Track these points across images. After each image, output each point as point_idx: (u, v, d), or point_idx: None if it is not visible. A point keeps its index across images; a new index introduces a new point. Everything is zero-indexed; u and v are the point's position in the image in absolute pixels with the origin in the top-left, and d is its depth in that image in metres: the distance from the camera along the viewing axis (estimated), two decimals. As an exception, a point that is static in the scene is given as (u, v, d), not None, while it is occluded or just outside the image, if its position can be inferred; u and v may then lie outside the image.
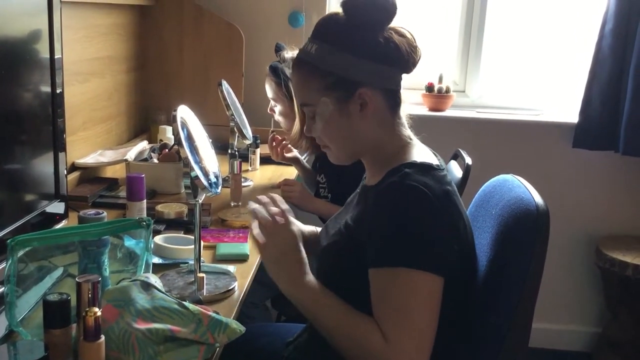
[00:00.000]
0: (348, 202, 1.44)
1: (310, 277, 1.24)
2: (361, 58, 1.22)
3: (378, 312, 1.16)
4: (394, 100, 1.29)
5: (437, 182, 1.19)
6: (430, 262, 1.14)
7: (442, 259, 1.15)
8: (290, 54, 2.20)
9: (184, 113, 1.37)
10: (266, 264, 1.27)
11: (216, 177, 1.40)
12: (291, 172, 2.49)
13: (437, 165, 1.25)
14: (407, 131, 1.33)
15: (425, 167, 1.22)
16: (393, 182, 1.19)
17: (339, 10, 1.26)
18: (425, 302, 1.14)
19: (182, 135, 1.30)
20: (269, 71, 2.33)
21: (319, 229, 1.55)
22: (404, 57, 1.25)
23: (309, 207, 2.17)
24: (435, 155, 1.33)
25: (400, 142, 1.30)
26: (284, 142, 2.33)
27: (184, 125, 1.33)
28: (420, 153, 1.29)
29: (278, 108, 2.36)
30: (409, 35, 1.27)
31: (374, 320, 1.16)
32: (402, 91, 1.30)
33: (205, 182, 1.30)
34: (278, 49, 2.26)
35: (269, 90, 2.36)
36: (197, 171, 1.29)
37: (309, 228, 1.52)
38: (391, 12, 1.24)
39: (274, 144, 2.34)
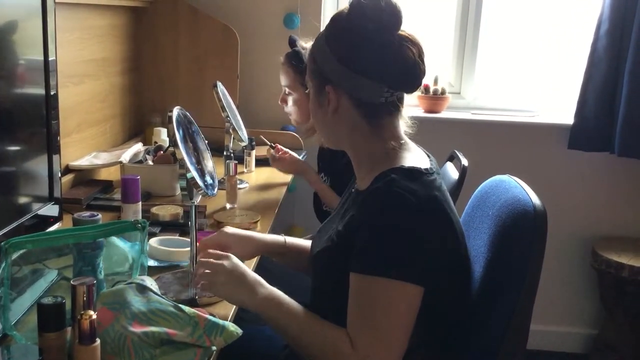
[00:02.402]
0: (340, 205, 1.44)
1: (268, 289, 1.25)
2: (335, 58, 1.23)
3: (351, 319, 1.16)
4: (370, 112, 1.25)
5: (424, 187, 1.18)
6: (410, 272, 1.13)
7: (423, 268, 1.14)
8: (307, 44, 2.16)
9: (180, 113, 1.36)
10: (222, 297, 1.30)
11: (212, 178, 1.40)
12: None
13: (427, 169, 1.23)
14: (398, 135, 1.29)
15: (413, 173, 1.21)
16: (378, 188, 1.18)
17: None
18: (400, 312, 1.14)
19: (178, 136, 1.29)
20: (288, 57, 2.23)
21: (289, 239, 1.54)
22: (386, 75, 1.21)
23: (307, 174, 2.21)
24: (428, 156, 1.32)
25: (383, 149, 1.27)
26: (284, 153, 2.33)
27: (180, 125, 1.32)
28: (411, 157, 1.26)
29: (293, 97, 2.26)
30: (412, 56, 1.22)
31: (342, 327, 1.16)
32: (389, 104, 1.25)
33: (201, 184, 1.30)
34: (293, 41, 2.22)
35: (285, 78, 2.26)
36: (193, 172, 1.28)
37: (270, 237, 1.51)
38: (389, 27, 1.21)
39: (279, 153, 2.32)
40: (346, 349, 1.13)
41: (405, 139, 1.32)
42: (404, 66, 1.22)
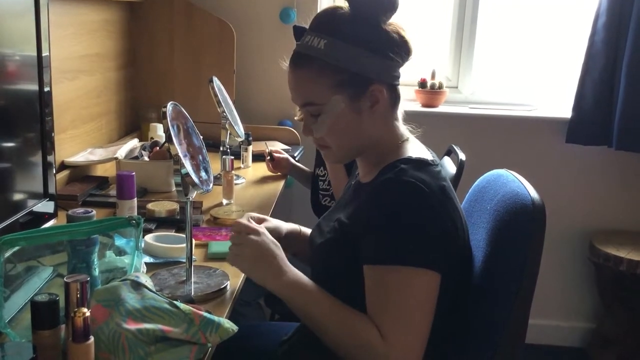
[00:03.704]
0: (340, 198, 1.43)
1: (295, 273, 1.23)
2: (373, 53, 1.21)
3: (374, 309, 1.15)
4: (396, 96, 1.28)
5: (433, 177, 1.19)
6: (427, 258, 1.13)
7: (439, 255, 1.14)
8: None
9: (175, 109, 1.35)
10: (245, 271, 1.27)
11: (207, 174, 1.39)
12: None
13: (432, 161, 1.24)
14: (402, 126, 1.32)
15: (421, 163, 1.21)
16: (389, 179, 1.18)
17: (339, 4, 1.25)
18: (422, 299, 1.13)
19: (173, 132, 1.27)
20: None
21: (303, 228, 1.53)
22: (407, 51, 1.25)
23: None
24: (428, 150, 1.32)
25: (397, 139, 1.29)
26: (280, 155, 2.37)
27: (174, 121, 1.31)
28: (416, 149, 1.28)
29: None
30: (405, 29, 1.26)
31: (368, 317, 1.15)
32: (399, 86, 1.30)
33: (195, 179, 1.28)
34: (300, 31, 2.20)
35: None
36: (188, 168, 1.27)
37: (288, 226, 1.50)
38: (396, 5, 1.23)
39: (273, 160, 2.36)
40: (376, 339, 1.12)
41: (408, 133, 1.33)
42: (407, 40, 1.25)
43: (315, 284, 1.22)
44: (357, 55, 1.20)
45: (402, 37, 1.23)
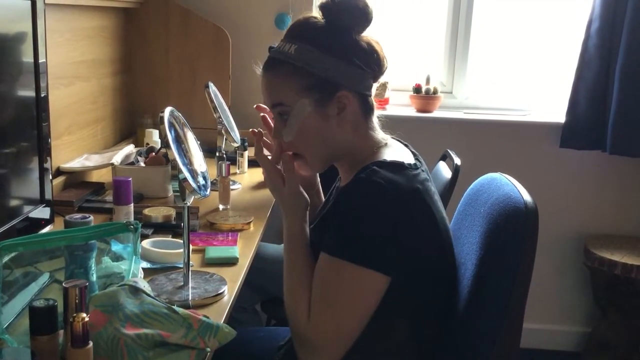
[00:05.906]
0: (323, 203, 1.45)
1: (308, 232, 1.29)
2: (342, 61, 1.23)
3: (314, 292, 1.20)
4: (367, 106, 1.29)
5: (406, 179, 1.20)
6: (377, 260, 1.15)
7: (390, 257, 1.16)
8: None
9: (172, 114, 1.35)
10: (282, 197, 1.31)
11: (205, 179, 1.39)
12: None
13: (409, 164, 1.25)
14: (381, 134, 1.33)
15: (395, 166, 1.22)
16: (359, 178, 1.20)
17: (315, 13, 1.27)
18: (359, 297, 1.17)
19: (170, 137, 1.28)
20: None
21: None
22: (379, 63, 1.27)
23: None
24: (413, 153, 1.33)
25: (374, 146, 1.30)
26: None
27: (172, 126, 1.31)
28: (393, 153, 1.29)
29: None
30: (381, 44, 1.28)
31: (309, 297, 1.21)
32: (372, 97, 1.31)
33: (193, 185, 1.29)
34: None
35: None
36: (186, 173, 1.27)
37: None
38: (370, 18, 1.25)
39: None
40: (302, 317, 1.20)
41: (388, 137, 1.34)
42: (378, 52, 1.27)
43: (309, 257, 1.26)
44: (326, 61, 1.22)
45: (372, 48, 1.25)
